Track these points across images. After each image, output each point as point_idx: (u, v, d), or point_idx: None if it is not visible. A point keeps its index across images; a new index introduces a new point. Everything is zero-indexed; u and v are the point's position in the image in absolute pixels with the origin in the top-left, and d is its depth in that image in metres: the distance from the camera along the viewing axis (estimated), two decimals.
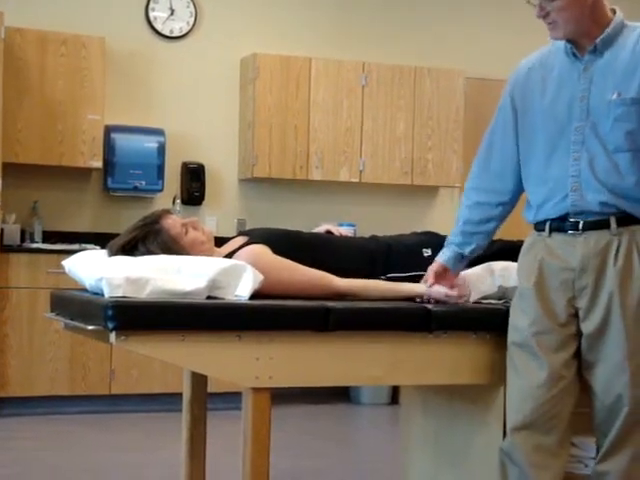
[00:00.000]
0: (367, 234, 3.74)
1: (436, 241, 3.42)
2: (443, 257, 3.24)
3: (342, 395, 7.46)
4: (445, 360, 3.13)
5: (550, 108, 3.00)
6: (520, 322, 3.03)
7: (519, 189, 3.17)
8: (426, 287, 3.22)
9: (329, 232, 3.63)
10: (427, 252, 3.39)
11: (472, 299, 3.28)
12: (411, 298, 3.23)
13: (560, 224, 2.97)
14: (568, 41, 2.99)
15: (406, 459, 3.81)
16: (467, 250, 3.23)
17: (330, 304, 2.99)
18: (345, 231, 3.71)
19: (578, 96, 2.95)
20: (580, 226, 2.94)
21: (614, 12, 2.98)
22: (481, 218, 3.21)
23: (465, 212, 3.23)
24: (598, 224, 2.93)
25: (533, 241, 3.06)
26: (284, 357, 2.93)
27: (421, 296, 3.22)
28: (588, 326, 2.94)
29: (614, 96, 2.89)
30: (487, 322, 3.16)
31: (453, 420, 3.48)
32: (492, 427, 3.20)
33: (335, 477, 4.78)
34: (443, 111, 8.00)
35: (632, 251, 2.90)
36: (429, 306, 3.12)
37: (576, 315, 2.96)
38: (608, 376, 2.92)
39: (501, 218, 3.22)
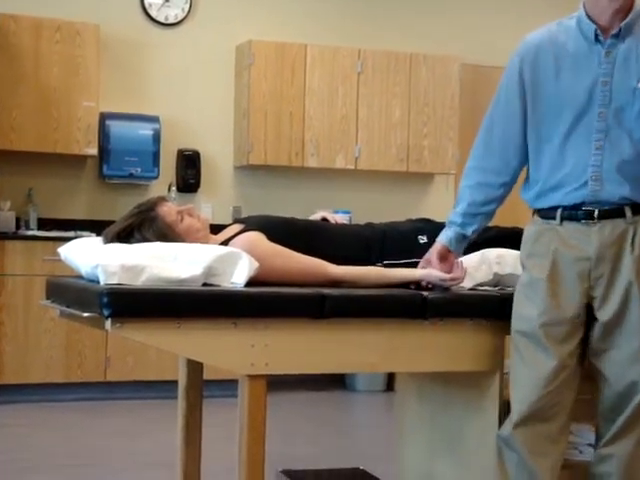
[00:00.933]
0: (362, 221, 3.74)
1: (431, 228, 3.41)
2: (445, 238, 3.20)
3: (338, 382, 7.48)
4: (441, 347, 3.13)
5: (567, 91, 2.94)
6: (528, 312, 2.99)
7: (521, 167, 3.13)
8: (420, 272, 3.22)
9: (325, 219, 3.63)
10: (422, 239, 3.38)
11: (467, 286, 3.27)
12: (406, 284, 3.23)
13: (573, 212, 2.94)
14: (592, 22, 2.92)
15: (401, 446, 3.81)
16: (469, 230, 3.19)
17: (326, 291, 2.99)
18: (340, 218, 3.71)
19: (600, 80, 2.90)
20: (595, 215, 2.91)
21: None
22: (483, 199, 3.16)
23: (467, 193, 3.17)
24: (613, 213, 2.90)
25: (540, 229, 3.01)
26: (280, 344, 2.93)
27: (416, 282, 3.22)
28: (604, 315, 2.92)
29: (638, 84, 2.86)
30: (483, 309, 3.15)
31: (448, 406, 3.48)
32: (488, 413, 3.20)
33: (331, 464, 4.78)
34: (439, 98, 8.00)
35: None
36: (425, 293, 3.11)
37: (588, 305, 2.95)
38: (623, 363, 2.92)
39: (502, 198, 3.18)
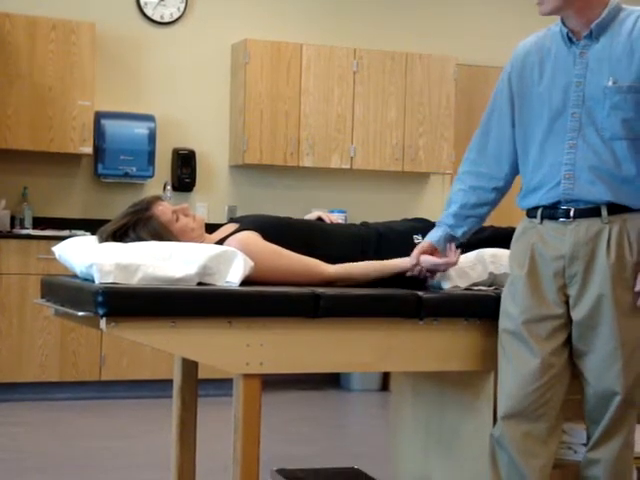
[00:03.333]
0: (358, 221, 3.74)
1: (427, 227, 3.40)
2: (434, 237, 3.22)
3: (333, 381, 7.48)
4: (435, 346, 3.13)
5: (546, 93, 2.98)
6: (511, 310, 3.02)
7: (514, 174, 3.17)
8: (411, 261, 3.18)
9: (320, 219, 3.63)
10: (418, 238, 3.38)
11: (462, 286, 3.28)
12: (401, 273, 3.21)
13: (552, 211, 2.96)
14: (564, 25, 2.96)
15: (396, 445, 3.82)
16: (459, 232, 3.22)
17: (320, 290, 2.99)
18: (336, 218, 3.71)
19: (574, 81, 2.93)
20: (571, 214, 2.93)
21: None
22: (476, 202, 3.19)
23: (460, 195, 3.21)
24: (589, 212, 2.91)
25: (525, 227, 3.05)
26: (275, 343, 2.93)
27: (408, 269, 3.21)
28: (578, 314, 2.94)
29: (610, 83, 2.87)
30: (478, 308, 3.16)
31: (443, 406, 3.48)
32: (482, 413, 3.20)
33: (325, 463, 4.78)
34: (434, 98, 8.00)
35: (623, 240, 2.89)
36: (420, 293, 3.11)
37: (567, 303, 2.96)
38: (600, 365, 2.93)
39: (495, 203, 3.21)
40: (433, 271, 3.19)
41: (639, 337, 2.92)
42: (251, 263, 3.00)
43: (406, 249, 3.32)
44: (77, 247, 3.19)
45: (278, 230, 3.29)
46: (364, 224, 3.58)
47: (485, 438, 3.08)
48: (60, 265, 3.34)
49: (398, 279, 3.22)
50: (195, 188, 7.65)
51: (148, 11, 7.57)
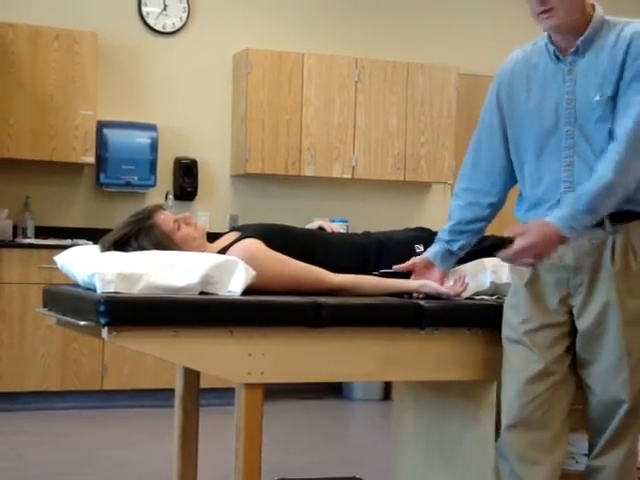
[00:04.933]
0: (359, 230, 3.75)
1: (428, 237, 3.42)
2: (431, 252, 3.29)
3: (335, 391, 7.47)
4: (437, 356, 3.13)
5: (535, 110, 2.99)
6: (513, 319, 3.03)
7: (507, 188, 3.21)
8: (417, 283, 3.23)
9: (321, 228, 3.63)
10: (419, 248, 3.39)
11: (464, 295, 3.28)
12: (402, 294, 3.23)
13: None
14: (550, 42, 2.97)
15: (398, 455, 3.81)
16: (455, 246, 3.27)
17: (322, 300, 2.99)
18: (337, 227, 3.71)
19: (565, 98, 2.94)
20: None
21: (593, 7, 2.94)
22: (471, 218, 3.26)
23: (457, 212, 3.28)
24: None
25: None
26: (276, 353, 2.93)
27: (413, 292, 3.23)
28: (582, 324, 2.94)
29: (598, 97, 2.88)
30: (480, 318, 3.16)
31: (445, 416, 3.48)
32: (484, 423, 3.20)
33: (327, 473, 4.78)
34: (436, 107, 8.01)
35: (627, 249, 2.89)
36: (421, 302, 3.12)
37: (570, 312, 2.97)
38: (606, 374, 2.93)
39: (490, 218, 3.27)
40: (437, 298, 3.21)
41: None
42: (253, 272, 3.00)
43: (407, 258, 3.33)
44: (79, 256, 3.19)
45: (280, 238, 3.29)
46: (365, 233, 3.58)
47: (487, 448, 3.08)
48: (62, 274, 3.34)
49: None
50: (197, 197, 7.66)
51: (150, 21, 7.59)
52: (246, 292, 2.97)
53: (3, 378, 6.58)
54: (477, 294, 3.32)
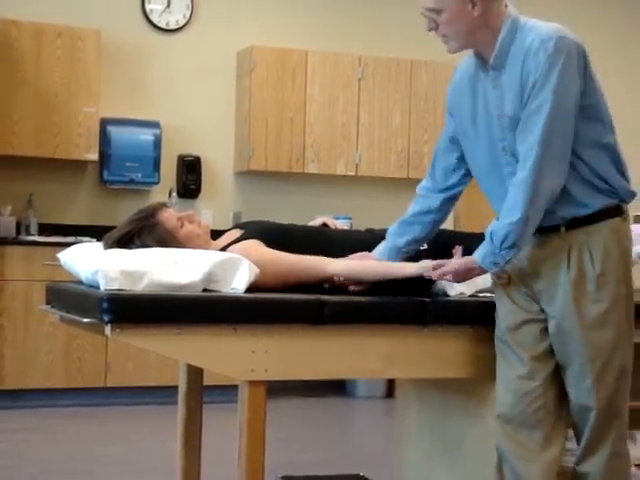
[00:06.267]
0: (363, 227, 3.74)
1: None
2: (377, 248, 3.25)
3: (338, 388, 7.47)
4: (440, 353, 3.13)
5: (485, 126, 2.95)
6: (497, 319, 3.06)
7: (462, 183, 3.20)
8: (417, 265, 3.11)
9: (325, 225, 3.62)
10: (423, 245, 3.38)
11: (468, 293, 3.27)
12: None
13: None
14: (477, 56, 2.93)
15: (401, 452, 3.81)
16: (402, 241, 3.22)
17: (325, 297, 2.99)
18: (341, 224, 3.71)
19: (495, 114, 2.90)
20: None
21: (506, 7, 2.86)
22: (420, 210, 3.23)
23: (410, 206, 3.27)
24: (547, 229, 2.89)
25: None
26: (280, 350, 2.93)
27: (412, 276, 3.11)
28: (550, 328, 2.94)
29: (510, 113, 2.84)
30: (483, 315, 3.15)
31: (448, 413, 3.48)
32: (487, 420, 3.19)
33: (331, 470, 4.78)
34: (439, 104, 7.99)
35: (583, 254, 2.86)
36: (425, 299, 3.11)
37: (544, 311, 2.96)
38: (574, 379, 2.92)
39: (440, 210, 3.22)
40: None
41: (609, 350, 2.88)
42: (256, 269, 3.00)
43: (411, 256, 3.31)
44: (82, 254, 3.19)
45: (282, 237, 3.29)
46: (369, 230, 3.58)
47: (490, 445, 3.07)
48: (65, 272, 3.34)
49: (402, 286, 3.20)
50: (200, 195, 7.66)
51: (154, 18, 7.58)
52: (249, 290, 2.97)
53: (6, 375, 6.59)
54: (481, 291, 3.31)
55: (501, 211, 2.84)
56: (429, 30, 2.87)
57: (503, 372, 3.03)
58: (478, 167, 3.06)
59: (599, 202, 2.87)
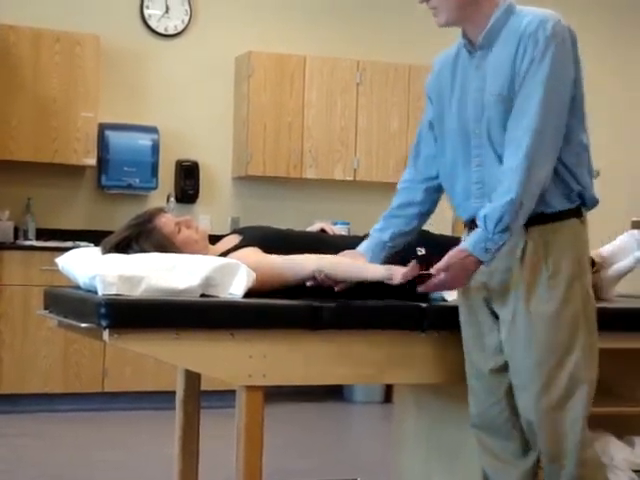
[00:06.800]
0: (361, 232, 3.74)
1: (430, 240, 3.41)
2: (361, 245, 3.22)
3: (336, 393, 7.47)
4: (438, 359, 3.13)
5: (457, 109, 2.91)
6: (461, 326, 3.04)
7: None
8: (384, 268, 3.06)
9: (323, 230, 3.63)
10: (421, 251, 3.38)
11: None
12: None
13: (472, 225, 2.87)
14: (464, 36, 2.90)
15: (399, 457, 3.81)
16: (386, 235, 3.20)
17: (322, 303, 2.99)
18: (339, 229, 3.71)
19: (473, 97, 2.85)
20: None
21: None
22: (403, 201, 3.23)
23: (393, 199, 3.27)
24: None
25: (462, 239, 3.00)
26: (277, 355, 2.93)
27: (381, 279, 3.06)
28: (502, 333, 2.87)
29: (494, 96, 2.77)
30: None
31: (446, 418, 3.48)
32: None
33: (328, 475, 4.78)
34: None
35: (539, 253, 2.79)
36: (423, 304, 3.11)
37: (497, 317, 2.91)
38: (521, 389, 2.84)
39: (424, 202, 3.19)
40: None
41: (560, 352, 2.78)
42: (254, 275, 3.00)
43: (409, 261, 3.31)
44: (80, 258, 3.19)
45: (280, 242, 3.29)
46: (367, 236, 3.57)
47: None
48: (63, 276, 3.34)
49: (399, 291, 3.18)
50: (198, 200, 7.66)
51: (152, 23, 7.59)
52: (247, 295, 2.97)
53: (4, 380, 6.58)
54: None
55: (493, 195, 2.75)
56: (421, 2, 2.86)
57: (471, 382, 3.01)
58: (442, 152, 3.00)
59: (562, 203, 2.80)
